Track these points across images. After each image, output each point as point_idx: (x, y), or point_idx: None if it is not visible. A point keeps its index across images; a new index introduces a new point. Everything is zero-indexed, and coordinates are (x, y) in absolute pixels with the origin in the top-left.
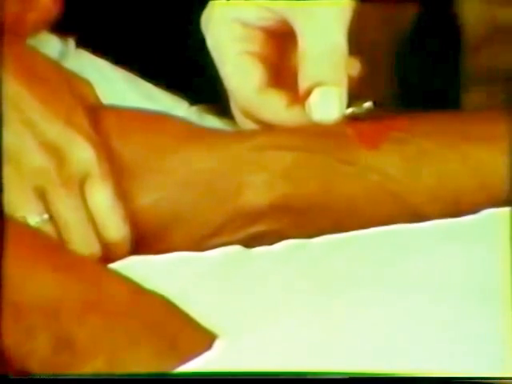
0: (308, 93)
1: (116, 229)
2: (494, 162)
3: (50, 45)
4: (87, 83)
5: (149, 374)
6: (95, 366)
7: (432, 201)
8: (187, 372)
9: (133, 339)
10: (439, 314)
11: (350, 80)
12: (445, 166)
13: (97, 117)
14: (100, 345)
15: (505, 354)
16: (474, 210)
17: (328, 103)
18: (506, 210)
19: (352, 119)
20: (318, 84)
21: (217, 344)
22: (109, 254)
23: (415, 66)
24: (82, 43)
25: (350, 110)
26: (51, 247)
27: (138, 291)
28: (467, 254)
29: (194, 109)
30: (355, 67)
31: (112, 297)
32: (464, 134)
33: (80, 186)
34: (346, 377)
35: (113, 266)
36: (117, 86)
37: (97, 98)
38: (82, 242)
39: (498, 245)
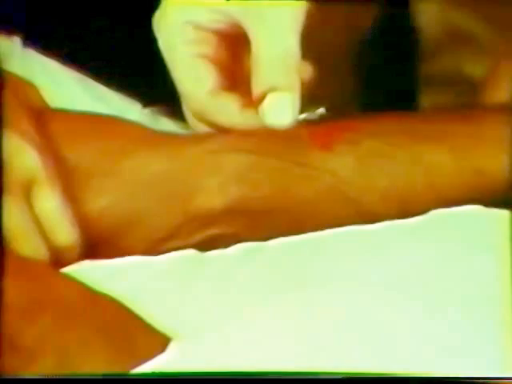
0: (261, 98)
1: (65, 234)
2: (442, 161)
3: None
4: (32, 86)
5: (148, 374)
6: (43, 366)
7: (384, 201)
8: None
9: (84, 340)
10: (394, 313)
11: (303, 84)
12: (395, 165)
13: (43, 121)
14: (49, 345)
15: (464, 352)
16: (423, 210)
17: (281, 109)
18: (453, 209)
19: (305, 123)
20: (271, 89)
21: (170, 346)
22: (59, 259)
23: (374, 67)
24: (30, 42)
25: (303, 115)
26: None
27: (90, 293)
28: (417, 254)
29: (147, 111)
30: (307, 71)
31: (62, 297)
32: (415, 134)
33: (26, 193)
34: (340, 377)
35: (64, 270)
36: (67, 87)
37: (43, 101)
38: (29, 249)
39: (447, 244)
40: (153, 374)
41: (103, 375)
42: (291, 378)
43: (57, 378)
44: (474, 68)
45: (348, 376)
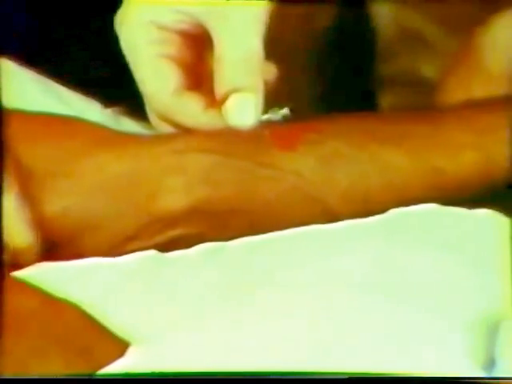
0: (224, 98)
1: (22, 235)
2: (399, 161)
3: None
4: None
5: (117, 375)
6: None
7: (346, 201)
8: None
9: (40, 351)
10: (358, 312)
11: (266, 85)
12: (356, 166)
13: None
14: (5, 354)
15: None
16: (382, 209)
17: (244, 109)
18: (412, 208)
19: (269, 123)
20: (234, 90)
21: (130, 350)
22: (16, 260)
23: (335, 67)
24: None
25: (267, 116)
26: None
27: (47, 300)
28: (377, 252)
29: (108, 111)
30: (271, 72)
31: (19, 305)
32: (373, 134)
33: None
34: (340, 377)
35: (21, 273)
36: (25, 88)
37: None
38: None
39: (406, 242)
40: (119, 374)
41: (112, 375)
42: (252, 378)
43: (58, 378)
44: (429, 69)
45: (347, 376)
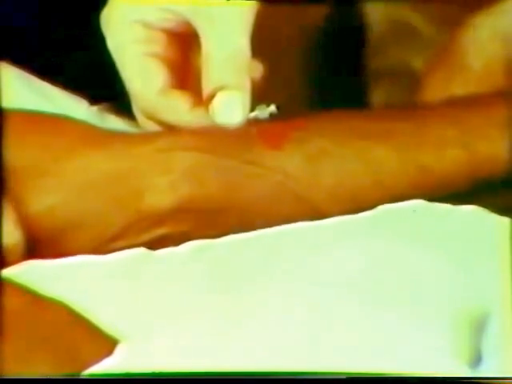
0: (211, 96)
1: (7, 234)
2: (386, 158)
3: None
4: None
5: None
6: None
7: (331, 199)
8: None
9: (27, 350)
10: (345, 310)
11: (253, 83)
12: (342, 163)
13: None
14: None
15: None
16: (370, 206)
17: (231, 107)
18: (399, 205)
19: (256, 121)
20: (221, 88)
21: (118, 348)
22: (2, 259)
23: (323, 64)
24: None
25: (254, 113)
26: None
27: (34, 300)
28: (365, 249)
29: (94, 109)
30: (258, 70)
31: (5, 305)
32: (361, 131)
33: None
34: (342, 377)
35: (7, 271)
36: (9, 85)
37: None
38: None
39: (394, 238)
40: (120, 374)
41: (107, 375)
42: (249, 378)
43: (58, 378)
44: (421, 62)
45: (348, 376)
